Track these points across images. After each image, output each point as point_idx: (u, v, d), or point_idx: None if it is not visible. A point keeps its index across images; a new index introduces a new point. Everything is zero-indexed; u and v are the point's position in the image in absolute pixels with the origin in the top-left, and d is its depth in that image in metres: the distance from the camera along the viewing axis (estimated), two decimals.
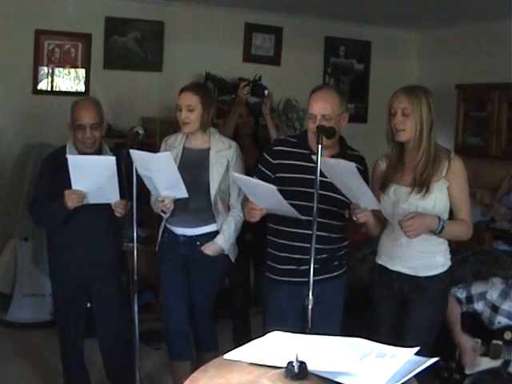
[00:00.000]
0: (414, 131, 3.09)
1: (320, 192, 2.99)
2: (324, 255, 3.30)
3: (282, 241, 3.37)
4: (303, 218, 3.07)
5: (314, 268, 3.13)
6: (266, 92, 4.51)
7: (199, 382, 1.85)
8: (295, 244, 3.30)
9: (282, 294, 3.38)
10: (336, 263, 3.41)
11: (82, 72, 5.76)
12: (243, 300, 4.91)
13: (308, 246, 2.96)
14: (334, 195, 3.19)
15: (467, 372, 3.49)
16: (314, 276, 3.12)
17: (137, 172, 3.40)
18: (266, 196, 3.07)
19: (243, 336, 4.46)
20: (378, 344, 1.99)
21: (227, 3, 6.07)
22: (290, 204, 3.07)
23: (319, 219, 3.08)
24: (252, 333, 4.70)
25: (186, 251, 3.82)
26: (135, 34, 5.92)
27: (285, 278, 3.38)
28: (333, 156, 3.24)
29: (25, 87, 5.53)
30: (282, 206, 3.05)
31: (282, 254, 3.37)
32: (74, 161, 3.37)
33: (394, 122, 3.12)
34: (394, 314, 3.31)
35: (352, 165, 2.89)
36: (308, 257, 2.99)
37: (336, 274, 3.42)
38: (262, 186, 3.04)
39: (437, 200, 3.12)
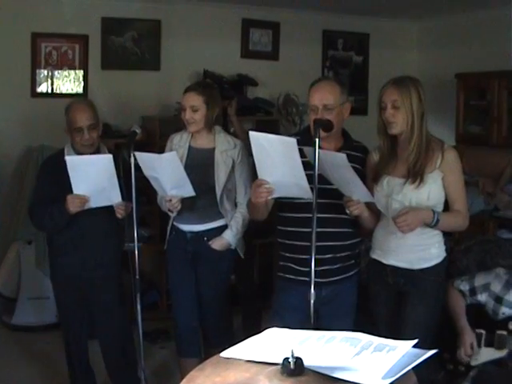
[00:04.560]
0: (405, 123, 3.06)
1: (326, 186, 2.98)
2: (343, 253, 3.24)
3: (295, 242, 3.23)
4: (311, 200, 2.83)
5: (333, 269, 3.19)
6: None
7: (196, 380, 1.84)
8: (309, 244, 2.92)
9: (294, 293, 3.24)
10: (353, 261, 3.34)
11: (80, 73, 5.75)
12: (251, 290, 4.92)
13: (325, 244, 2.96)
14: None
15: (472, 364, 3.47)
16: (331, 276, 3.18)
17: (135, 172, 3.40)
18: (281, 159, 2.84)
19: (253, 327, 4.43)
20: (376, 337, 1.97)
21: None
22: (299, 203, 3.05)
23: (330, 215, 3.09)
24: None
25: (194, 247, 3.83)
26: (132, 33, 5.91)
27: (300, 278, 3.20)
28: (339, 148, 3.21)
29: (23, 90, 5.54)
30: (296, 175, 2.83)
31: (299, 256, 3.21)
32: (73, 162, 3.36)
33: (385, 115, 3.10)
34: (391, 309, 3.28)
35: (343, 156, 2.84)
36: (326, 256, 3.02)
37: (352, 273, 3.34)
38: (281, 141, 2.87)
39: (431, 191, 3.08)
